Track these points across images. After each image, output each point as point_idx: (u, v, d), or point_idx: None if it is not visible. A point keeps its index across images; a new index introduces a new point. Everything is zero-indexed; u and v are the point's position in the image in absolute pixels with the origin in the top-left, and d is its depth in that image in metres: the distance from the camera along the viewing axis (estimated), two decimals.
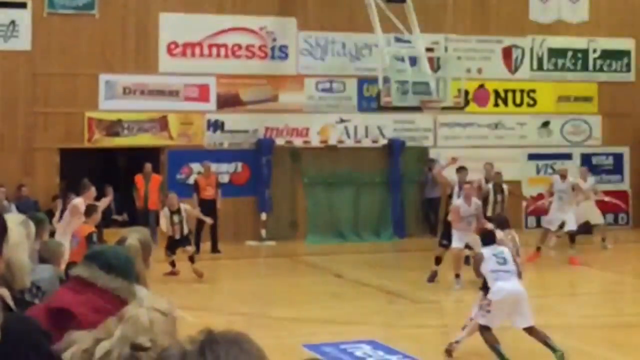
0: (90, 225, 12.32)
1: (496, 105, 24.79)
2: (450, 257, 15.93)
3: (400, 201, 23.39)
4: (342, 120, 23.35)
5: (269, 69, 22.84)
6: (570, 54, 25.38)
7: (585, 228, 20.87)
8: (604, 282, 17.90)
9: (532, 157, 24.79)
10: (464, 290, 14.89)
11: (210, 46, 22.51)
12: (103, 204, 15.02)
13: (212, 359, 2.18)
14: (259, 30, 22.86)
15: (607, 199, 22.47)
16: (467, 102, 22.98)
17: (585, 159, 24.84)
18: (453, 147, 23.61)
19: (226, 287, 17.29)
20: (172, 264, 16.87)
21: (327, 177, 22.97)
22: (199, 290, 15.97)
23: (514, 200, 20.34)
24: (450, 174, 18.09)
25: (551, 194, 19.57)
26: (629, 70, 25.90)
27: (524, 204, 23.01)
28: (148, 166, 21.44)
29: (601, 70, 25.64)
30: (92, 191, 15.14)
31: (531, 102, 25.06)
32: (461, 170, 17.52)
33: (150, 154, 21.94)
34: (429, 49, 21.65)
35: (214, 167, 21.57)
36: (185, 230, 16.93)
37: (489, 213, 17.67)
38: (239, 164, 22.66)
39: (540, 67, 25.16)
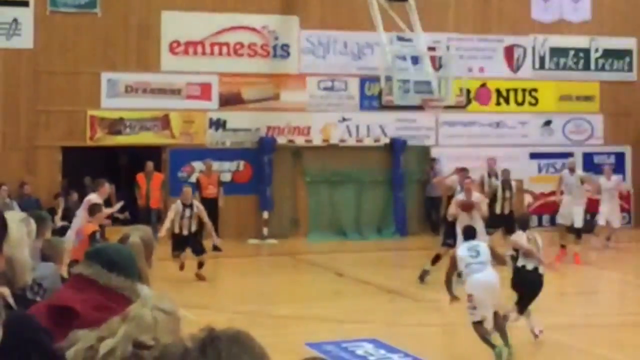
0: (94, 224, 12.44)
1: (498, 104, 24.78)
2: (454, 257, 15.86)
3: (402, 200, 23.39)
4: (344, 119, 23.35)
5: (271, 67, 22.85)
6: (572, 53, 25.36)
7: (589, 226, 20.82)
8: (605, 281, 17.91)
9: (533, 156, 24.77)
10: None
11: (212, 45, 22.51)
12: (112, 210, 15.24)
13: (214, 356, 2.19)
14: (261, 29, 22.86)
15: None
16: (468, 101, 23.02)
17: (587, 158, 24.82)
18: (455, 146, 23.64)
19: (228, 285, 17.26)
20: (182, 267, 16.40)
21: (328, 176, 22.97)
22: (200, 288, 15.95)
23: (521, 197, 20.35)
24: (451, 177, 18.19)
25: (561, 192, 19.61)
26: (630, 69, 25.87)
27: (526, 202, 22.98)
28: (150, 164, 21.44)
29: (603, 69, 25.61)
30: (107, 187, 15.41)
31: (533, 101, 25.05)
32: (462, 171, 17.52)
33: (152, 153, 21.94)
34: (430, 48, 21.63)
35: (215, 165, 21.60)
36: (194, 227, 16.61)
37: (498, 210, 17.73)
38: (241, 163, 22.67)
39: (542, 66, 25.14)
